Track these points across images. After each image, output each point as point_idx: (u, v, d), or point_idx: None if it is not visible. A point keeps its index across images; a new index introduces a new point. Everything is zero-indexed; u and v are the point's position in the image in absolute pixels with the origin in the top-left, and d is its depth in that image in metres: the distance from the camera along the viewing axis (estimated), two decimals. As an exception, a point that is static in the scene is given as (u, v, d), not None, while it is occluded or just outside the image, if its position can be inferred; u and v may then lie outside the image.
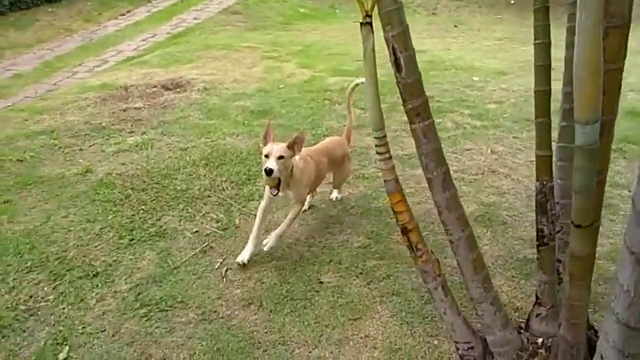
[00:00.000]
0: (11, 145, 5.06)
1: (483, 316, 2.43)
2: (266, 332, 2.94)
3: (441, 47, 9.75)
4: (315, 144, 4.12)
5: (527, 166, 4.79)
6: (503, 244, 3.66)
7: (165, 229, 3.82)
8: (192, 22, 11.62)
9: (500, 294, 3.11)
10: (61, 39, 10.26)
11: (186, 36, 10.53)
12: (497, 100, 6.52)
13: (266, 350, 2.80)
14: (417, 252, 2.48)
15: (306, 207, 4.10)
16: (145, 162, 4.80)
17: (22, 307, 3.06)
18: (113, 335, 2.87)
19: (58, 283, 3.25)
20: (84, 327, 2.93)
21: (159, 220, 3.94)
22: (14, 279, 3.27)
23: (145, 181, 4.45)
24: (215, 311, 3.08)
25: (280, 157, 3.30)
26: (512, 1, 15.04)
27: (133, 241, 3.66)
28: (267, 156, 3.30)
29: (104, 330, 2.91)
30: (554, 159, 2.51)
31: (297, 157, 3.46)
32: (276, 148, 3.31)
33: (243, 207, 4.14)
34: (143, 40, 10.15)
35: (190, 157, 4.93)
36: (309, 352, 2.80)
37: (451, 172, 2.37)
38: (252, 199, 4.25)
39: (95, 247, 3.60)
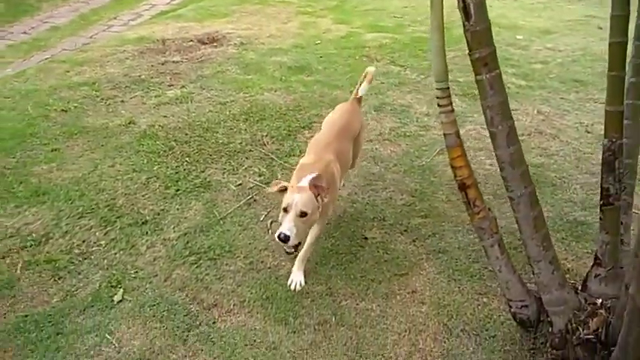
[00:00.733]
0: (55, 95, 5.09)
1: (540, 274, 2.37)
2: (313, 283, 2.95)
3: (480, 5, 9.31)
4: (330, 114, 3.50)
5: (576, 128, 4.60)
6: (552, 205, 3.56)
7: (209, 181, 3.83)
8: (224, -24, 11.33)
9: (550, 255, 3.05)
10: (94, -8, 10.18)
11: (218, -10, 10.31)
12: (542, 60, 6.23)
13: (314, 300, 2.82)
14: (474, 208, 2.42)
15: None
16: (185, 115, 4.77)
17: (76, 251, 3.13)
18: (165, 280, 2.93)
19: (109, 229, 3.30)
20: (136, 271, 2.99)
21: (203, 172, 3.94)
22: (67, 224, 3.34)
23: (187, 134, 4.44)
24: (262, 261, 3.10)
25: (303, 215, 2.53)
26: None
27: (179, 192, 3.68)
28: (285, 210, 2.55)
29: (156, 275, 2.96)
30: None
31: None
32: (299, 199, 2.53)
33: (285, 162, 4.10)
34: (176, -6, 9.98)
35: (230, 111, 4.89)
36: (357, 305, 2.81)
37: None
38: (293, 155, 4.20)
39: (143, 196, 3.63)
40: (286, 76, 5.74)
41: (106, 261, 3.06)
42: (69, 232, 3.28)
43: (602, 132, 2.34)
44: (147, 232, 3.29)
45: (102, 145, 4.25)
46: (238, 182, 3.84)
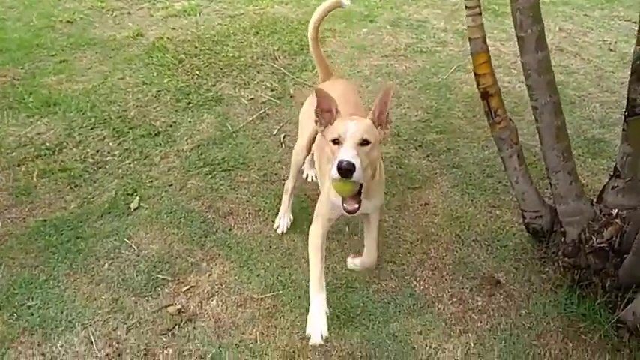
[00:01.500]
0: (60, 6, 4.86)
1: (557, 185, 2.33)
2: (326, 195, 2.93)
3: None
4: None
5: (599, 45, 4.37)
6: (570, 123, 3.42)
7: (221, 95, 3.72)
8: None
9: (565, 171, 2.99)
10: None
11: None
12: (567, -25, 5.84)
13: (328, 211, 2.82)
14: (495, 118, 2.33)
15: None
16: (194, 28, 4.57)
17: (90, 161, 3.11)
18: (180, 190, 2.92)
19: (122, 139, 3.26)
20: (151, 181, 2.97)
21: (214, 85, 3.82)
22: (80, 134, 3.29)
23: (196, 47, 4.27)
24: (276, 174, 3.07)
25: (365, 143, 1.81)
26: None
27: (190, 105, 3.60)
28: (336, 141, 1.83)
29: (171, 185, 2.95)
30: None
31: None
32: (356, 126, 1.82)
33: (297, 77, 3.97)
34: None
35: (240, 24, 4.67)
36: (370, 216, 2.81)
37: (544, 32, 2.13)
38: (306, 70, 4.06)
39: (154, 108, 3.55)
40: (298, -11, 5.43)
41: (120, 170, 3.04)
42: (82, 142, 3.24)
43: (626, 50, 2.20)
44: (160, 144, 3.24)
45: (110, 57, 4.11)
46: (250, 96, 3.73)
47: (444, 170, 3.10)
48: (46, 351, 2.06)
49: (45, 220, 2.69)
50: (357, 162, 1.72)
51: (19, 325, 2.15)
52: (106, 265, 2.45)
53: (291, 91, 3.81)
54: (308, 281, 2.39)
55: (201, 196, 2.88)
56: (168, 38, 4.38)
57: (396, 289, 2.38)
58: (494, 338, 2.11)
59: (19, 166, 3.04)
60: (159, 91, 3.72)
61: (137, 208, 2.79)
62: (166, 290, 2.33)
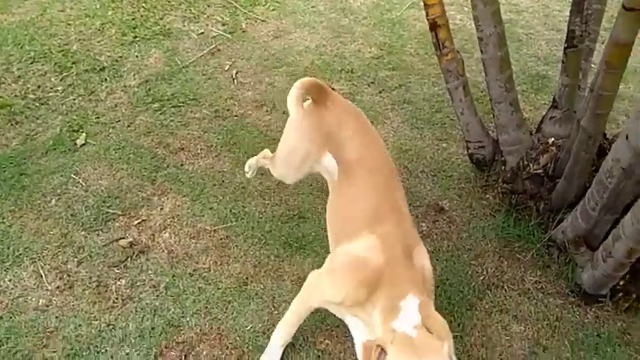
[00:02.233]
0: None
1: (500, 116, 2.38)
2: (279, 131, 2.86)
3: None
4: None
5: (549, -16, 4.38)
6: (517, 60, 3.49)
7: (169, 29, 3.52)
8: None
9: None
10: None
11: None
12: None
13: (281, 146, 2.80)
14: (442, 50, 2.32)
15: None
16: (139, -42, 4.24)
17: (32, 96, 2.92)
18: (128, 126, 2.80)
19: (64, 74, 3.06)
20: (97, 117, 2.83)
21: (161, 19, 3.60)
22: (19, 69, 3.07)
23: (142, -22, 3.98)
24: (228, 109, 2.99)
25: None
26: None
27: (137, 39, 3.39)
28: None
29: (119, 121, 2.82)
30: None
31: None
32: None
33: (250, 11, 3.79)
34: None
35: (188, -45, 4.36)
36: (322, 150, 2.81)
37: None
38: (258, 4, 3.88)
39: (98, 42, 3.33)
40: None
41: (64, 106, 2.88)
42: (22, 77, 3.02)
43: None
44: (105, 79, 3.07)
45: (48, -12, 3.78)
46: (200, 31, 3.55)
47: (395, 106, 3.11)
48: (-7, 285, 2.01)
49: (-15, 158, 2.55)
50: None
51: (-36, 261, 2.08)
52: (53, 201, 2.36)
53: (243, 26, 3.65)
54: (261, 213, 2.43)
55: (150, 132, 2.78)
56: (111, -32, 4.06)
57: (346, 219, 2.43)
58: (437, 260, 2.20)
59: (-48, 102, 2.83)
60: (103, 24, 3.48)
61: (84, 145, 2.67)
62: (117, 224, 2.28)
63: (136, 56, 3.26)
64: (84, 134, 2.71)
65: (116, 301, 1.99)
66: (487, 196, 2.49)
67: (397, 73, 3.35)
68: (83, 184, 2.46)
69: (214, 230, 2.30)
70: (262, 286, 2.09)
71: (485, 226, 2.34)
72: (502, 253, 2.22)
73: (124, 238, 2.22)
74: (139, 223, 2.29)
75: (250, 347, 1.87)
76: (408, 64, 3.43)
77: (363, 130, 1.81)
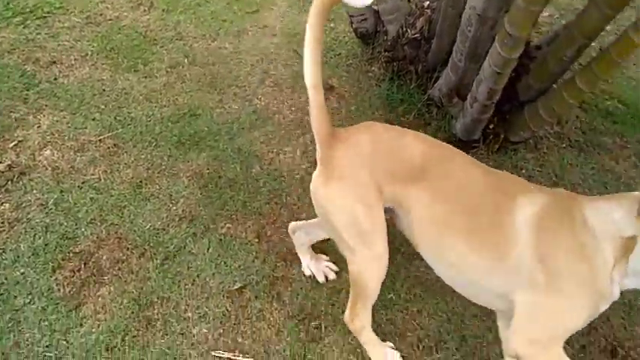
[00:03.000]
0: None
1: (378, -16, 2.28)
2: (160, 30, 2.66)
3: None
4: None
5: None
6: None
7: None
8: None
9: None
10: None
11: None
12: None
13: (163, 46, 2.58)
14: None
15: None
16: None
17: None
18: (-12, 45, 2.47)
19: None
20: (-50, 40, 2.47)
21: None
22: None
23: None
24: (101, 14, 2.68)
25: None
26: None
27: (-19, -54, 2.88)
28: None
29: (-25, 41, 2.48)
30: None
31: None
32: None
33: None
34: None
35: None
36: (209, 45, 2.62)
37: None
38: None
39: None
40: None
41: None
42: None
43: None
44: (-49, -4, 2.64)
45: None
46: None
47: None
48: None
49: None
50: None
51: None
52: None
53: None
54: (148, 117, 2.28)
55: (15, 49, 2.46)
56: None
57: (239, 110, 2.34)
58: (328, 135, 2.20)
59: None
60: None
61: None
62: (-9, 150, 2.08)
63: (-16, -34, 2.79)
64: None
65: (2, 225, 1.86)
66: (372, 68, 2.46)
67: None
68: (-55, 114, 2.19)
69: (100, 140, 2.14)
70: (158, 187, 2.02)
71: (371, 97, 2.33)
72: (388, 119, 2.23)
73: (0, 162, 2.04)
74: (15, 145, 2.09)
75: (152, 244, 1.84)
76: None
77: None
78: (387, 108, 2.28)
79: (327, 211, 1.39)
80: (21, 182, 1.98)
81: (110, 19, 2.67)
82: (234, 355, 1.59)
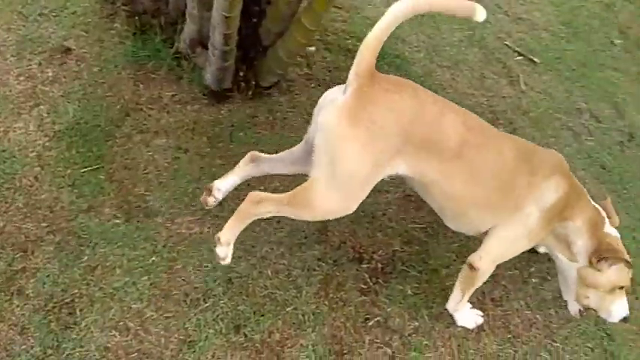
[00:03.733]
0: None
1: None
2: None
3: None
4: None
5: None
6: None
7: None
8: None
9: None
10: None
11: None
12: None
13: None
14: None
15: None
16: None
17: None
18: None
19: None
20: None
21: None
22: None
23: None
24: None
25: None
26: None
27: None
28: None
29: None
30: None
31: None
32: None
33: None
34: None
35: None
36: None
37: None
38: None
39: None
40: None
41: None
42: None
43: None
44: None
45: None
46: None
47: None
48: None
49: None
50: None
51: None
52: None
53: None
54: None
55: None
56: None
57: None
58: (68, 102, 1.92)
59: None
60: None
61: None
62: None
63: None
64: None
65: None
66: (115, 25, 2.18)
67: None
68: None
69: None
70: None
71: (116, 55, 2.08)
72: (137, 77, 2.03)
73: None
74: None
75: None
76: None
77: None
78: (134, 66, 2.06)
79: (335, 146, 1.32)
80: None
81: None
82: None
